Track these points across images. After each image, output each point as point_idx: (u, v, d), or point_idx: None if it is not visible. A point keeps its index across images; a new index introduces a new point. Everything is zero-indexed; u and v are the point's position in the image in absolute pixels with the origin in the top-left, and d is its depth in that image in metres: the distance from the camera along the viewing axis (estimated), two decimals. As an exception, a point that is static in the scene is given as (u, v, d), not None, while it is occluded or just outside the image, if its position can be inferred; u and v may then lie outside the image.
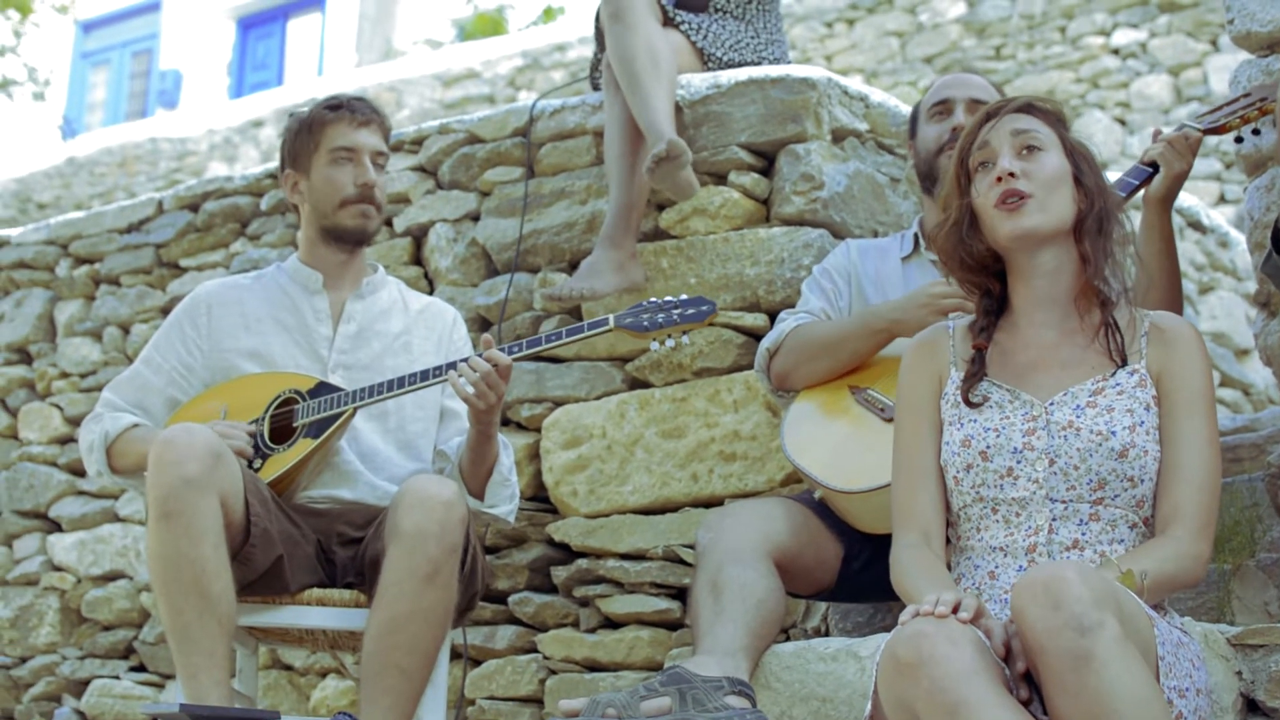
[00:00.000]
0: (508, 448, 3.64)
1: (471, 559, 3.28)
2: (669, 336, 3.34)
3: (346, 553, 3.41)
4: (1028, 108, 2.77)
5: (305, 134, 3.69)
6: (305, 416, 3.45)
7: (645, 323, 3.33)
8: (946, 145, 3.70)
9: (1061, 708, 2.16)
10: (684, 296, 3.38)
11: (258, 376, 3.57)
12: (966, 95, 3.76)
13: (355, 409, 3.44)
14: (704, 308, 3.33)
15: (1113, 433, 2.58)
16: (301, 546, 3.35)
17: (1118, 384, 2.64)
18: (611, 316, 3.37)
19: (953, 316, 3.01)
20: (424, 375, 3.41)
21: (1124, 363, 2.66)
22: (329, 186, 3.66)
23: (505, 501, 3.61)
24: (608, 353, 4.28)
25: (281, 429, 3.48)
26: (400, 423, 3.62)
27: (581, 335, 3.39)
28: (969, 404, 2.69)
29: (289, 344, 3.64)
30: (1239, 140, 3.41)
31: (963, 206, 2.74)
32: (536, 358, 4.20)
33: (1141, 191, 3.37)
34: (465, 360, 3.34)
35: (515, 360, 3.37)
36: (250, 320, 3.66)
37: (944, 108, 3.78)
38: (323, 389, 3.48)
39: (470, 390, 3.32)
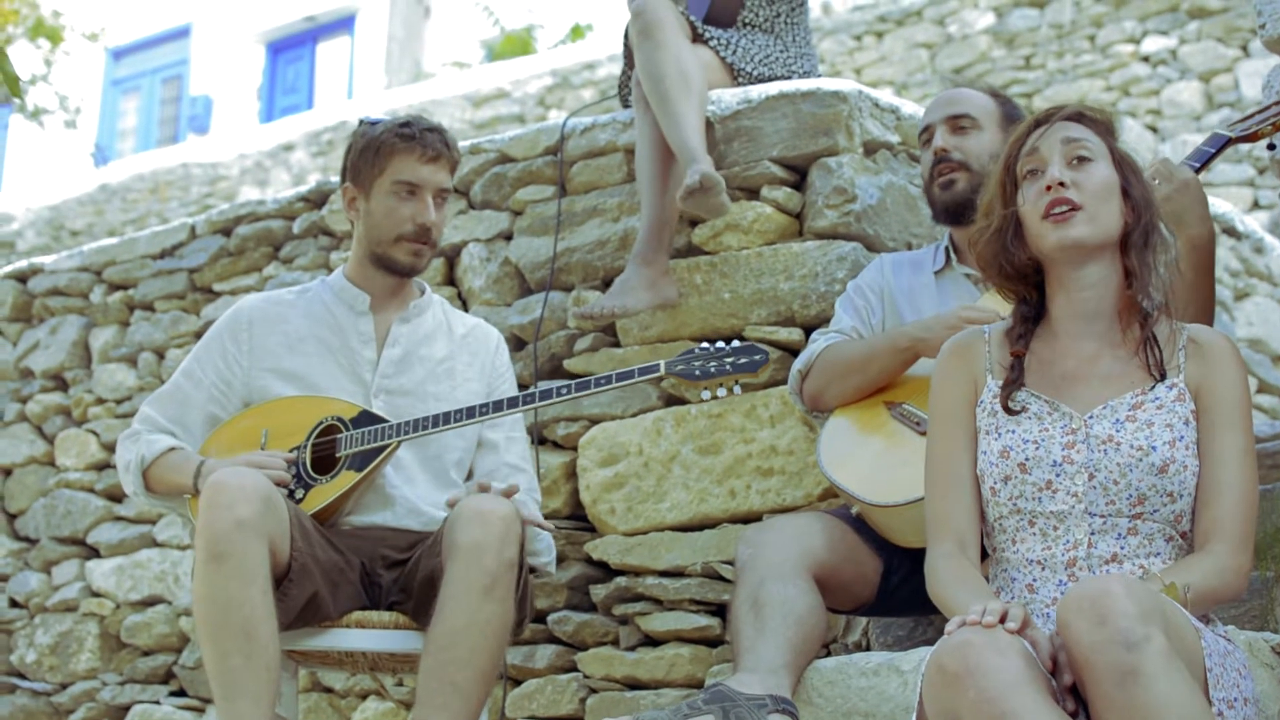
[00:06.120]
0: (532, 503, 3.62)
1: (524, 580, 3.27)
2: (720, 386, 3.31)
3: (391, 575, 3.40)
4: (1078, 116, 2.74)
5: (372, 154, 3.58)
6: (349, 447, 3.41)
7: (697, 371, 3.29)
8: (934, 172, 3.66)
9: (1109, 723, 2.15)
10: (735, 344, 3.33)
11: (299, 400, 3.54)
12: (943, 115, 3.70)
13: (400, 442, 3.41)
14: (756, 357, 3.28)
15: (1153, 448, 2.56)
16: (346, 574, 3.33)
17: (1157, 398, 2.62)
18: (663, 363, 3.31)
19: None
20: (470, 413, 3.38)
21: (1163, 376, 2.64)
22: (387, 219, 3.58)
23: (545, 553, 3.58)
24: (642, 370, 4.27)
25: (323, 458, 3.45)
26: (439, 450, 3.59)
27: (631, 381, 3.33)
28: (1009, 411, 2.67)
29: (331, 366, 3.59)
30: (1271, 147, 3.39)
31: (1007, 215, 2.72)
32: (571, 377, 4.20)
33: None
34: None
35: (563, 400, 3.37)
36: (293, 340, 3.61)
37: (927, 134, 3.73)
38: (365, 418, 3.44)
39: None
